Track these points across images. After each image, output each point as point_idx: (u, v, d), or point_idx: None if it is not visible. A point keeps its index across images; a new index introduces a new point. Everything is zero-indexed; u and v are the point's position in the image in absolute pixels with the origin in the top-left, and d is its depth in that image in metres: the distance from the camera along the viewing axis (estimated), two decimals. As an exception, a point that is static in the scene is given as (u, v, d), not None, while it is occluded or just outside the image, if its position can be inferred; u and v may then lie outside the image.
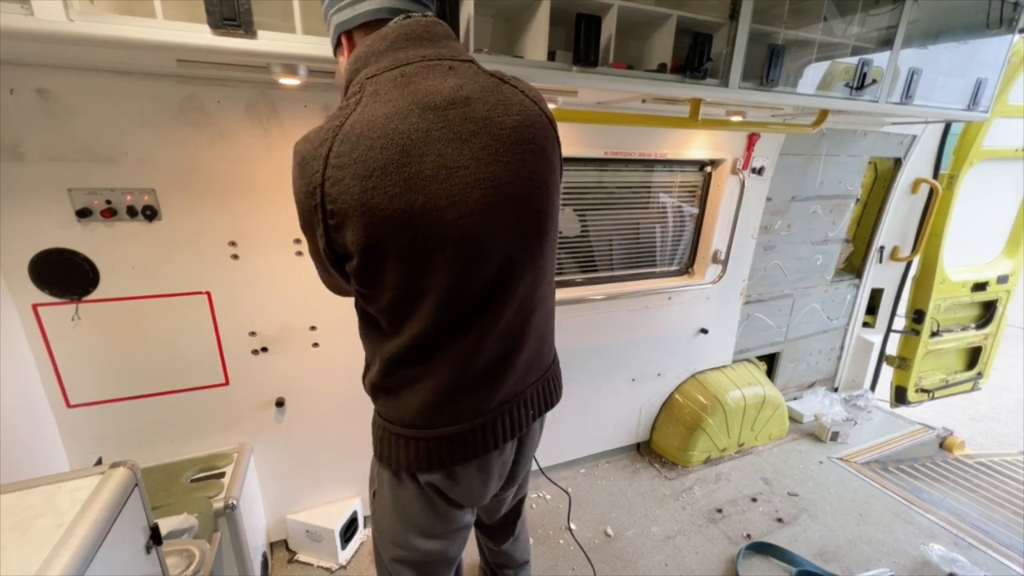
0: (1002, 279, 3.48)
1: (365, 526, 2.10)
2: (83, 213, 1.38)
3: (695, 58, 1.50)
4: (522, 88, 0.88)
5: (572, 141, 1.97)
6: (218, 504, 1.47)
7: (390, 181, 0.75)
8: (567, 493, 2.36)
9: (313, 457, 1.94)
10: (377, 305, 0.87)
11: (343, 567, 1.96)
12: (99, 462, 1.56)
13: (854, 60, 1.79)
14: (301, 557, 1.99)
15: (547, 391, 1.09)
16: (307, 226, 0.83)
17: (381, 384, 0.96)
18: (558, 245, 2.18)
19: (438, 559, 1.13)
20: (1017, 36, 2.13)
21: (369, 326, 0.94)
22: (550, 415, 1.11)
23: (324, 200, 0.76)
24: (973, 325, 3.63)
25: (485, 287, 0.86)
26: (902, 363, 3.50)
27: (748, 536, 2.20)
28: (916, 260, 3.27)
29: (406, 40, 0.82)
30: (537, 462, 1.39)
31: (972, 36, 2.03)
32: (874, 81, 1.83)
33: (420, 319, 0.85)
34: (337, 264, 0.85)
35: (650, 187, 2.33)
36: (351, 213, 0.76)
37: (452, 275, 0.82)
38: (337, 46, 0.91)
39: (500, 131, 0.82)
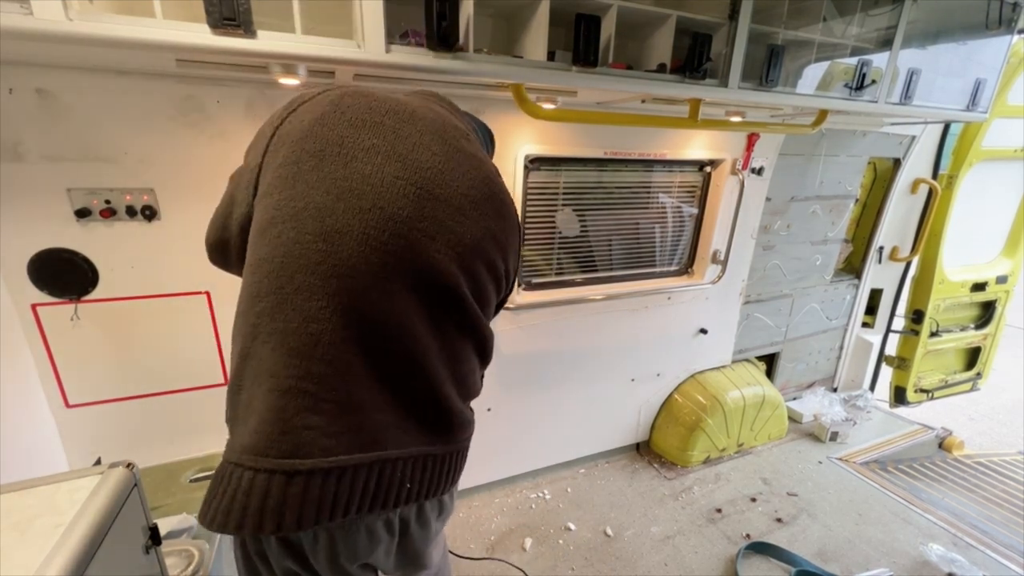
0: (1001, 279, 3.48)
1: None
2: (82, 213, 1.38)
3: (695, 58, 1.50)
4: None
5: (571, 141, 1.97)
6: (217, 504, 1.47)
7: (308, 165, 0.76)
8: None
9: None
10: None
11: (342, 567, 1.96)
12: (98, 462, 1.56)
13: (853, 60, 1.79)
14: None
15: (436, 471, 0.83)
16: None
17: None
18: (558, 246, 2.20)
19: None
20: (1016, 37, 2.13)
21: None
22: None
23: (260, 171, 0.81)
24: (972, 325, 3.63)
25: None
26: (901, 363, 3.51)
27: (747, 536, 2.21)
28: (915, 260, 3.27)
29: None
30: None
31: (971, 36, 2.03)
32: (873, 81, 1.83)
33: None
34: None
35: (650, 187, 2.33)
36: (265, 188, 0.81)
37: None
38: None
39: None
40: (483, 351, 0.90)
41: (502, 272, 0.87)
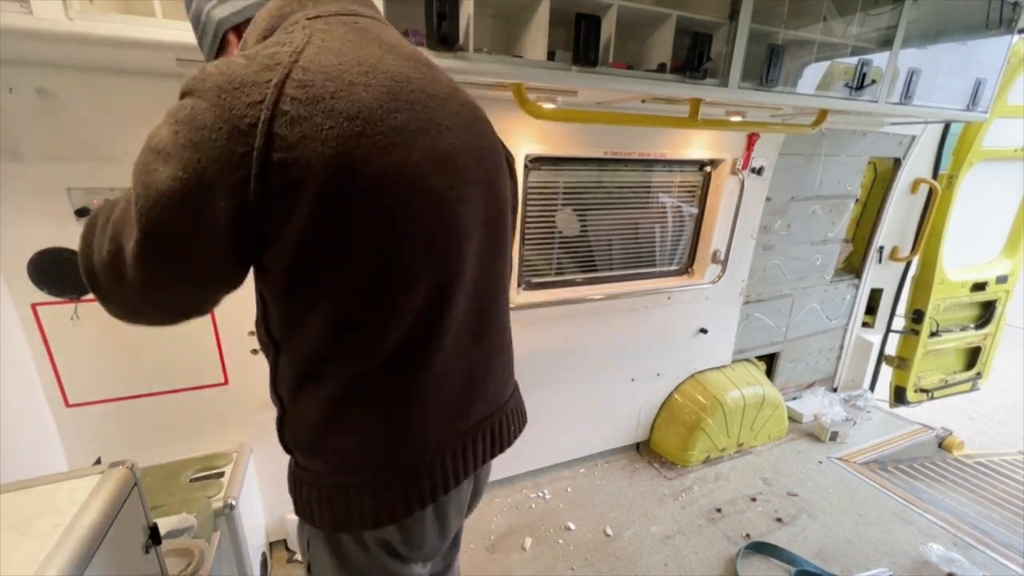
0: (1001, 279, 3.48)
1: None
2: (82, 212, 1.38)
3: (695, 58, 1.50)
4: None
5: (571, 141, 1.96)
6: (217, 504, 1.47)
7: (380, 128, 0.58)
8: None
9: (312, 457, 1.94)
10: (332, 304, 0.64)
11: (342, 567, 1.96)
12: (98, 462, 1.56)
13: (853, 60, 1.79)
14: (300, 557, 1.99)
15: (508, 420, 0.90)
16: (198, 184, 0.54)
17: (332, 417, 0.70)
18: (558, 246, 2.20)
19: None
20: (1016, 36, 2.13)
21: (314, 334, 0.66)
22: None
23: (270, 145, 0.53)
24: (972, 325, 3.63)
25: (458, 283, 0.71)
26: (901, 363, 3.51)
27: (747, 536, 2.20)
28: (915, 260, 3.27)
29: None
30: None
31: (971, 36, 2.03)
32: (873, 81, 1.83)
33: (399, 321, 0.66)
34: (243, 251, 0.59)
35: (650, 187, 2.33)
36: (321, 168, 0.54)
37: (434, 261, 0.67)
38: (219, 44, 0.74)
39: (466, 100, 0.72)
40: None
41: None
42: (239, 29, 0.71)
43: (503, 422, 0.88)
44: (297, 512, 0.80)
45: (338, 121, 0.55)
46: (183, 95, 0.57)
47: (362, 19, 0.67)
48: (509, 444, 0.89)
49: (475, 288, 0.74)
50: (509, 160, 0.83)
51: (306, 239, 0.57)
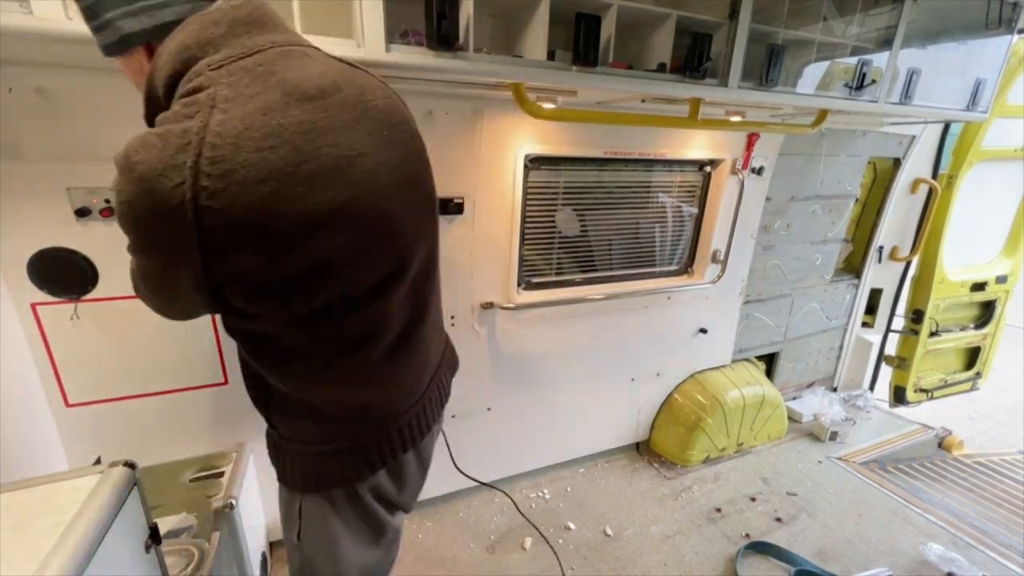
0: (1001, 279, 3.48)
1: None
2: (82, 212, 1.37)
3: (694, 58, 1.50)
4: (371, 72, 0.87)
5: (571, 141, 1.97)
6: (217, 503, 1.47)
7: (290, 182, 0.66)
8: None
9: (312, 457, 1.94)
10: (300, 324, 0.80)
11: (342, 567, 1.96)
12: (98, 461, 1.56)
13: (853, 60, 1.79)
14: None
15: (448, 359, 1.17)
16: (165, 252, 0.68)
17: (312, 393, 0.90)
18: (558, 245, 2.20)
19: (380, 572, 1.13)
20: (1016, 36, 2.13)
21: (288, 345, 0.87)
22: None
23: (200, 217, 0.63)
24: (972, 325, 3.63)
25: (411, 271, 0.89)
26: (901, 363, 3.51)
27: (747, 536, 2.21)
28: (915, 260, 3.27)
29: (244, 25, 0.72)
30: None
31: (971, 36, 2.03)
32: (873, 81, 1.83)
33: (363, 320, 0.84)
34: (214, 293, 0.71)
35: (650, 187, 2.33)
36: (248, 228, 0.65)
37: (380, 264, 0.82)
38: (124, 48, 0.76)
39: (379, 113, 0.79)
40: None
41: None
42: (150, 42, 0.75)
43: (444, 380, 1.13)
44: (284, 480, 0.98)
45: (252, 187, 0.64)
46: (120, 171, 0.68)
47: (264, 53, 0.70)
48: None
49: (413, 275, 0.89)
50: (424, 153, 0.92)
51: (259, 278, 0.70)
